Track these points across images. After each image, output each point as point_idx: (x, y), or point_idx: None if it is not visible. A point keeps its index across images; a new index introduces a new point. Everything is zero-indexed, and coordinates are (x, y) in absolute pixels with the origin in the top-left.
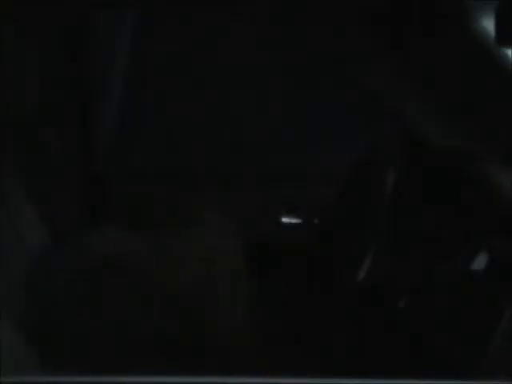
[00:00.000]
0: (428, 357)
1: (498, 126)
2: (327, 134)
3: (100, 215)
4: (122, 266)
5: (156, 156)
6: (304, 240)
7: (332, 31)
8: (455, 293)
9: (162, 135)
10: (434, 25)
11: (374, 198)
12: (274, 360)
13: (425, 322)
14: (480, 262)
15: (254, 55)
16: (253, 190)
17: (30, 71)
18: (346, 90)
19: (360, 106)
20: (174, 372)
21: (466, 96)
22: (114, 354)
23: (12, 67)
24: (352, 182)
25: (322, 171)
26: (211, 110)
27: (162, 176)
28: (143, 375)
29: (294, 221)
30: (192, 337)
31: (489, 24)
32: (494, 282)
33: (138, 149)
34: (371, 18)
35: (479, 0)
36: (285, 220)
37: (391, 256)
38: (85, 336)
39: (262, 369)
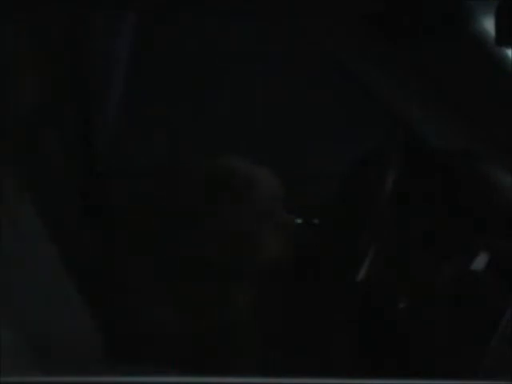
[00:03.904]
0: (428, 357)
1: (497, 126)
2: (327, 134)
3: (100, 213)
4: None
5: (157, 155)
6: (304, 240)
7: (332, 31)
8: (455, 293)
9: (162, 134)
10: (433, 25)
11: (374, 198)
12: (274, 360)
13: (425, 322)
14: (480, 262)
15: (254, 55)
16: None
17: (30, 71)
18: (347, 90)
19: (360, 107)
20: (174, 372)
21: (466, 96)
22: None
23: (12, 67)
24: (352, 182)
25: (321, 171)
26: (211, 109)
27: (163, 175)
28: (143, 375)
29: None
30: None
31: (489, 24)
32: (494, 282)
33: (138, 148)
34: (371, 18)
35: (479, 0)
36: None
37: (391, 256)
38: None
39: (262, 369)
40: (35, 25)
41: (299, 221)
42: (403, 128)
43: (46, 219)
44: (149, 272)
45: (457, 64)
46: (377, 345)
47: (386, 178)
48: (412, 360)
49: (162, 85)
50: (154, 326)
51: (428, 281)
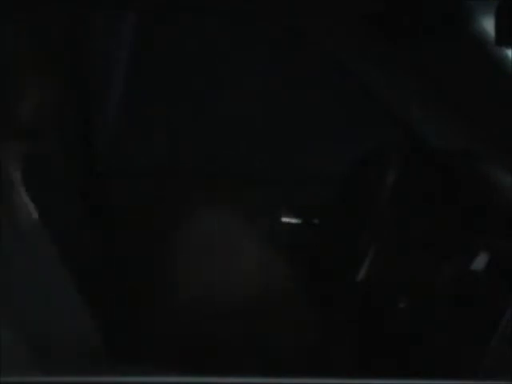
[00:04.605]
0: (428, 357)
1: (497, 126)
2: (327, 134)
3: (100, 214)
4: None
5: (157, 155)
6: (304, 240)
7: (332, 31)
8: (455, 293)
9: (162, 134)
10: (433, 25)
11: (374, 198)
12: (273, 360)
13: (425, 321)
14: (480, 262)
15: (253, 55)
16: (253, 189)
17: (30, 71)
18: (347, 90)
19: (360, 107)
20: (174, 372)
21: (466, 96)
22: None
23: (12, 67)
24: (352, 182)
25: (321, 171)
26: (212, 109)
27: (163, 175)
28: (143, 375)
29: (293, 221)
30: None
31: (489, 24)
32: (494, 282)
33: (138, 148)
34: (371, 18)
35: (479, 0)
36: (285, 220)
37: (391, 256)
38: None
39: (262, 369)
40: (35, 25)
41: (299, 221)
42: (403, 128)
43: (46, 219)
44: (149, 272)
45: (457, 64)
46: (377, 345)
47: (386, 178)
48: (412, 360)
49: (162, 85)
50: (153, 326)
51: (428, 281)
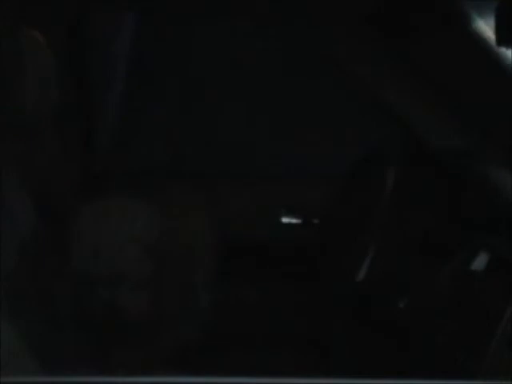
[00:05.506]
0: (428, 357)
1: (497, 126)
2: (327, 134)
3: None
4: None
5: (157, 155)
6: (304, 240)
7: (332, 32)
8: (455, 293)
9: (162, 134)
10: (433, 25)
11: (374, 198)
12: (274, 360)
13: (425, 321)
14: (480, 262)
15: (254, 55)
16: (253, 189)
17: (31, 71)
18: (347, 90)
19: (360, 107)
20: (174, 372)
21: (466, 96)
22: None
23: (12, 67)
24: (352, 182)
25: (321, 171)
26: (212, 110)
27: (163, 175)
28: (143, 375)
29: (293, 221)
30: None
31: (489, 24)
32: (494, 282)
33: (138, 148)
34: (371, 18)
35: (479, 0)
36: (285, 220)
37: (391, 256)
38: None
39: (262, 369)
40: (35, 25)
41: (299, 221)
42: (403, 128)
43: (47, 219)
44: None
45: (457, 64)
46: (377, 345)
47: (386, 177)
48: (412, 360)
49: (162, 85)
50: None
51: (428, 281)
